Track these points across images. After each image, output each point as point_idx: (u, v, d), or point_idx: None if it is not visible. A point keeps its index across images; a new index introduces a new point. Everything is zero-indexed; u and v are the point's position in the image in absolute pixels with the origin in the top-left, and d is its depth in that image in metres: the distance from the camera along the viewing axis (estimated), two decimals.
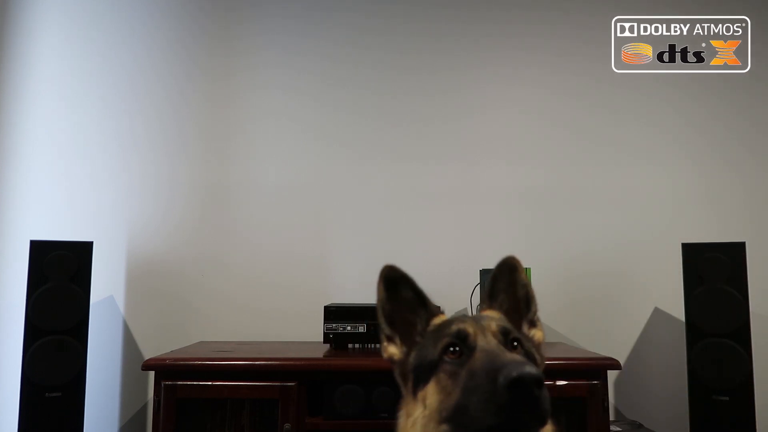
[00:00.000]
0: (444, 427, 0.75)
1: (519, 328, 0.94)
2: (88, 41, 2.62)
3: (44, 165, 2.54)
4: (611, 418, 2.11)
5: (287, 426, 1.78)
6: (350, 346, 2.10)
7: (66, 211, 2.51)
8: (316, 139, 2.61)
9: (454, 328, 0.83)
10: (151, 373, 2.15)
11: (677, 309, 2.29)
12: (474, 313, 2.27)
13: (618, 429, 2.12)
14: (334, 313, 2.07)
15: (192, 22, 2.65)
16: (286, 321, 2.46)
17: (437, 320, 0.93)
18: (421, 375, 0.83)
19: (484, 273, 2.24)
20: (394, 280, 0.94)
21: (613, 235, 2.54)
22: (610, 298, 2.51)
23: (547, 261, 2.46)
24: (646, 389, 2.45)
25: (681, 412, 2.19)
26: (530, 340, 0.93)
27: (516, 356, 0.75)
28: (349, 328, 2.05)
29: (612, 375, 2.37)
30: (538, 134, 2.61)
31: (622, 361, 2.15)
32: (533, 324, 0.97)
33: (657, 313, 2.49)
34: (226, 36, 2.66)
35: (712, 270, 2.05)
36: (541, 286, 2.29)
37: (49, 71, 2.59)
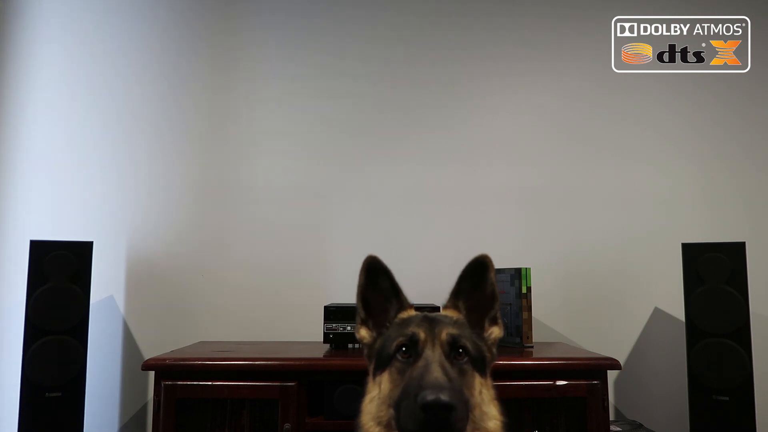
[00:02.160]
0: (391, 411, 0.89)
1: (482, 322, 1.05)
2: (87, 41, 2.62)
3: (44, 165, 2.54)
4: (611, 418, 2.11)
5: (287, 426, 1.78)
6: (350, 346, 2.10)
7: (66, 211, 2.51)
8: (317, 140, 2.61)
9: (410, 330, 0.94)
10: (151, 373, 2.14)
11: (677, 309, 2.29)
12: None
13: (618, 429, 2.12)
14: (334, 313, 2.08)
15: (191, 24, 2.65)
16: (286, 321, 2.46)
17: (404, 314, 1.04)
18: (380, 362, 0.97)
19: None
20: (375, 270, 1.06)
21: (614, 235, 2.54)
22: (610, 298, 2.51)
23: (547, 261, 2.46)
24: (646, 389, 2.45)
25: (681, 412, 2.19)
26: (484, 338, 1.03)
27: (440, 380, 0.82)
28: (349, 328, 2.06)
29: (612, 375, 2.38)
30: (537, 134, 2.61)
31: (622, 361, 2.15)
32: (494, 321, 1.06)
33: (657, 313, 2.49)
34: (225, 36, 2.65)
35: (712, 270, 2.05)
36: (541, 286, 2.33)
37: (49, 72, 2.59)
